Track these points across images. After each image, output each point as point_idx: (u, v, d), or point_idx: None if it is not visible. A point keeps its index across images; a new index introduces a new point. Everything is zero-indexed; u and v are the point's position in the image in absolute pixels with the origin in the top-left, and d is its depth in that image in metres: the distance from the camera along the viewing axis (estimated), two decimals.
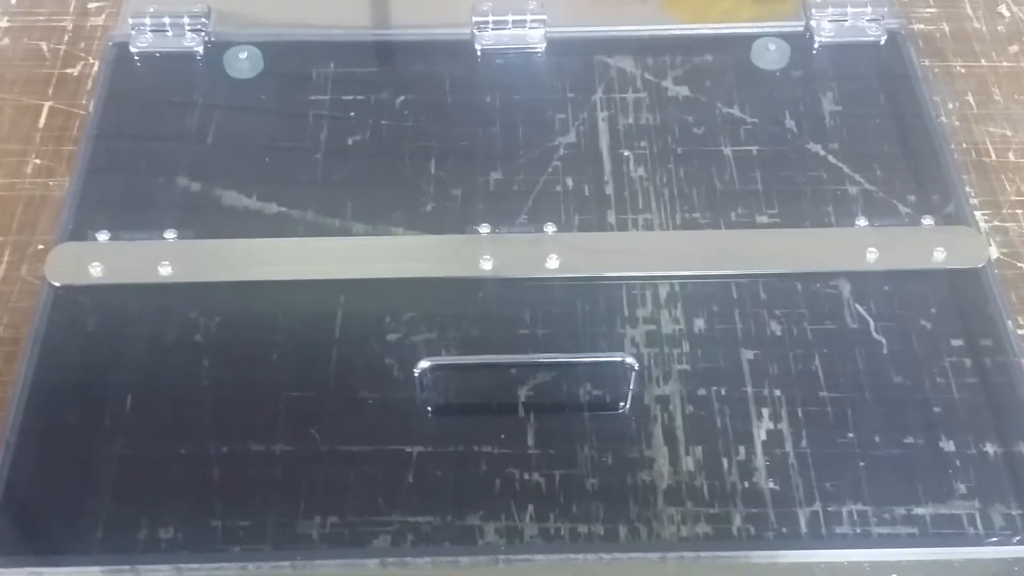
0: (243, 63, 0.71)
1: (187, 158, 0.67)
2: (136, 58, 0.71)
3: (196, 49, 0.71)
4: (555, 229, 0.64)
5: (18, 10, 0.78)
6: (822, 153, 0.69)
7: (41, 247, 0.64)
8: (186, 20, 0.71)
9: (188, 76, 0.70)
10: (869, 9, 0.73)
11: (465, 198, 0.66)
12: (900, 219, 0.64)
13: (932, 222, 0.63)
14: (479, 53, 0.72)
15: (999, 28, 0.78)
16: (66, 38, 0.76)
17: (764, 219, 0.66)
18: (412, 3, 0.76)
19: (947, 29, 0.78)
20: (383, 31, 0.75)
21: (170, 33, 0.71)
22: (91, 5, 0.78)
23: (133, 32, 0.70)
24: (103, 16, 0.78)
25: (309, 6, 0.75)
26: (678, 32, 0.75)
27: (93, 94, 0.70)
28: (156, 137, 0.68)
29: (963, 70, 0.75)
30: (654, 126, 0.71)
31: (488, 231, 0.63)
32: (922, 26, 0.78)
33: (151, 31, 0.71)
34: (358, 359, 0.58)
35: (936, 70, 0.75)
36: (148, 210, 0.64)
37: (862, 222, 0.64)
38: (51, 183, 0.68)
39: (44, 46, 0.76)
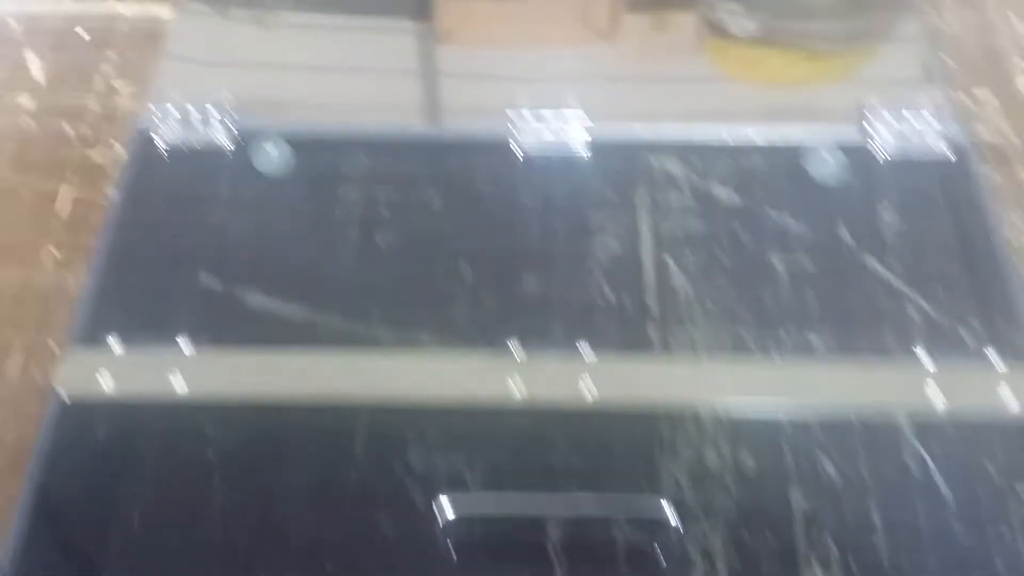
0: (272, 157, 0.68)
1: (209, 256, 0.64)
2: (161, 148, 0.69)
3: (223, 142, 0.69)
4: (591, 349, 0.60)
5: (44, 89, 0.76)
6: (880, 271, 0.65)
7: (54, 348, 0.62)
8: (212, 110, 0.69)
9: (214, 169, 0.68)
10: (931, 119, 0.69)
11: (498, 307, 0.63)
12: (963, 350, 0.60)
13: (997, 355, 0.60)
14: (516, 152, 0.70)
15: None
16: (91, 119, 0.74)
17: (816, 341, 0.62)
18: (448, 98, 0.74)
19: (1018, 143, 0.75)
20: (418, 126, 0.72)
21: (196, 123, 0.69)
22: (117, 83, 0.77)
23: (158, 121, 0.69)
24: (129, 98, 0.76)
25: (342, 97, 0.73)
26: (727, 134, 0.72)
27: (116, 183, 0.68)
28: (178, 233, 0.65)
29: None
30: (700, 234, 0.68)
31: (520, 348, 0.60)
32: (988, 135, 0.75)
33: (177, 121, 0.69)
34: (377, 488, 0.55)
35: (1003, 183, 0.72)
36: (165, 312, 0.61)
37: (922, 352, 0.60)
38: (68, 277, 0.66)
39: (68, 127, 0.74)
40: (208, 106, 0.69)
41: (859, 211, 0.68)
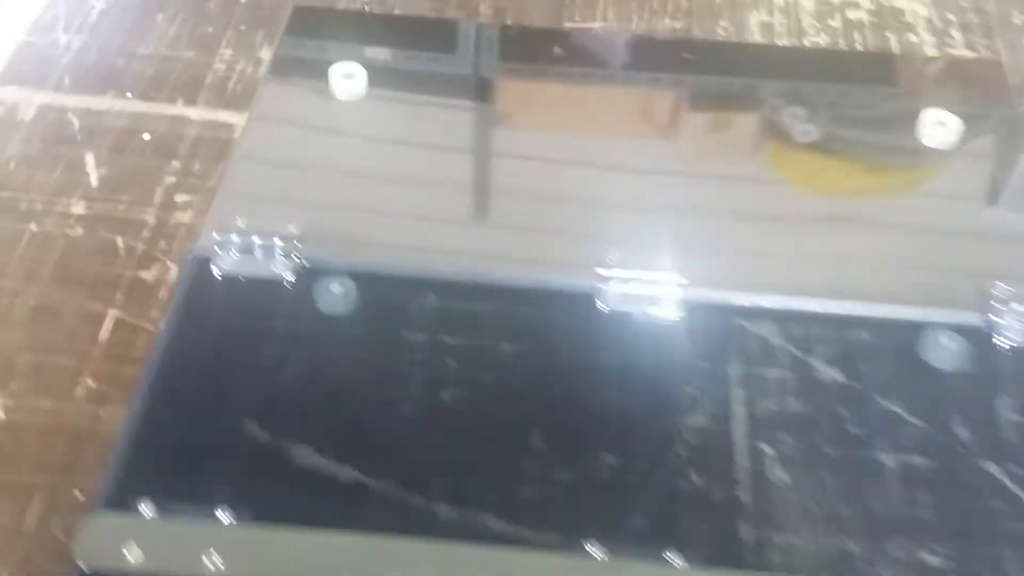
0: (336, 296, 0.63)
1: (259, 404, 0.58)
2: (218, 276, 0.63)
3: (285, 274, 0.63)
4: (679, 555, 0.53)
5: (98, 195, 0.71)
6: (999, 478, 0.58)
7: (79, 496, 0.56)
8: (277, 243, 0.63)
9: (273, 305, 0.62)
10: None
11: (572, 490, 0.57)
12: None
13: None
14: (601, 309, 0.64)
15: None
16: (145, 234, 0.69)
17: (929, 558, 0.55)
18: (530, 244, 0.68)
19: None
20: (492, 270, 0.66)
21: (258, 254, 0.63)
22: (179, 198, 0.72)
23: (217, 249, 0.63)
24: (189, 213, 0.71)
25: (414, 234, 0.67)
26: (834, 305, 0.66)
27: (165, 310, 0.63)
28: (228, 374, 0.60)
29: None
30: (801, 416, 0.61)
31: (598, 549, 0.53)
32: None
33: (237, 247, 0.63)
34: None
35: None
36: (206, 472, 0.55)
37: None
38: (102, 413, 0.60)
39: (120, 241, 0.69)
40: (271, 234, 0.64)
41: (980, 407, 0.61)
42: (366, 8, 0.88)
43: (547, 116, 0.77)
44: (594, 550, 0.53)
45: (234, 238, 0.63)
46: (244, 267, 0.63)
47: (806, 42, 0.87)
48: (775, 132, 0.75)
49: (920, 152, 0.75)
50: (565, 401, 0.61)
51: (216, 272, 0.63)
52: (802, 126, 0.74)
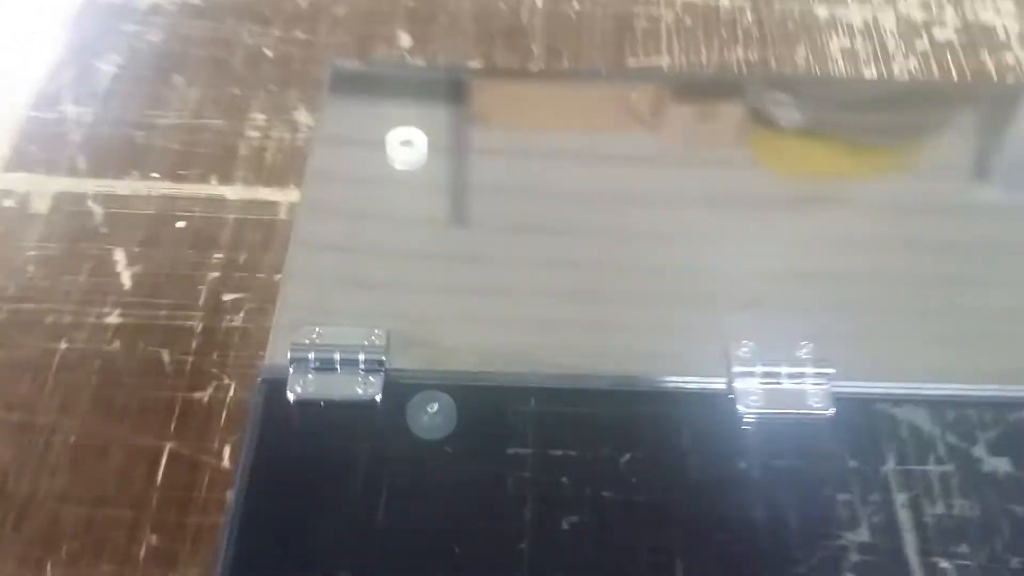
0: (432, 418, 0.54)
1: (358, 552, 0.50)
2: (294, 399, 0.54)
3: (374, 396, 0.54)
4: None
5: (134, 299, 0.62)
6: None
7: None
8: (362, 358, 0.55)
9: (363, 431, 0.54)
10: None
11: None
12: None
13: None
14: (740, 413, 0.55)
15: None
16: (194, 344, 0.60)
17: None
18: (648, 343, 0.60)
19: None
20: (610, 371, 0.58)
21: (340, 372, 0.55)
22: (226, 298, 0.63)
23: (291, 369, 0.54)
24: (241, 315, 0.62)
25: (511, 330, 0.59)
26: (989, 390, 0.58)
27: (237, 449, 0.54)
28: (319, 521, 0.51)
29: None
30: (973, 519, 0.53)
31: None
32: None
33: (315, 369, 0.55)
34: None
35: None
36: None
37: None
38: None
39: (166, 355, 0.60)
40: (353, 347, 0.55)
41: None
42: (407, 57, 0.79)
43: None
44: None
45: (310, 356, 0.55)
46: (326, 389, 0.54)
47: (895, 68, 0.79)
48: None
49: None
50: (704, 520, 0.53)
51: (293, 398, 0.54)
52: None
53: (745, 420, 0.55)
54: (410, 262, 0.61)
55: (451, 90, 0.73)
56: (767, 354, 0.56)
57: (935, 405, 0.57)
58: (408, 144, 0.67)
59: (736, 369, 0.56)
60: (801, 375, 0.55)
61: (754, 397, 0.55)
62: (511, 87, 0.76)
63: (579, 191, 0.66)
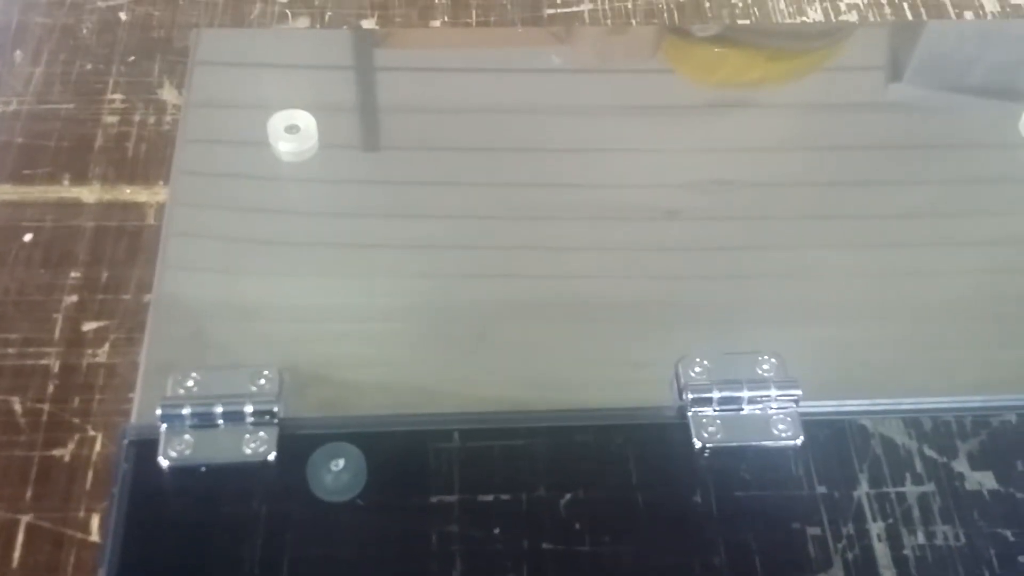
0: (338, 476, 0.46)
1: None
2: (167, 463, 0.46)
3: (266, 455, 0.46)
4: None
5: None
6: None
7: None
8: (249, 409, 0.46)
9: (251, 498, 0.46)
10: None
11: None
12: None
13: None
14: (697, 444, 0.49)
15: None
16: (50, 388, 0.52)
17: None
18: (586, 365, 0.52)
19: None
20: (540, 405, 0.50)
21: (223, 428, 0.46)
22: (87, 327, 0.54)
23: (163, 427, 0.46)
24: (105, 348, 0.53)
25: (434, 365, 0.51)
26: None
27: (102, 510, 0.46)
28: None
29: None
30: (956, 547, 0.48)
31: None
32: None
33: (192, 426, 0.46)
34: None
35: None
36: None
37: None
38: None
39: (17, 404, 0.51)
40: (237, 396, 0.47)
41: None
42: (288, 16, 0.69)
43: None
44: None
45: (184, 411, 0.46)
46: (206, 451, 0.46)
47: (842, 5, 0.71)
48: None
49: None
50: (659, 569, 0.47)
51: (167, 464, 0.46)
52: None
53: (704, 453, 0.49)
54: (303, 280, 0.53)
55: (341, 58, 0.64)
56: (723, 373, 0.49)
57: (910, 419, 0.51)
58: (294, 129, 0.58)
59: (689, 396, 0.49)
60: (764, 399, 0.49)
61: (712, 428, 0.48)
62: (411, 49, 0.67)
63: (502, 200, 0.58)
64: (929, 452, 0.51)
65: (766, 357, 0.50)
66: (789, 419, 0.49)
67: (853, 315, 0.54)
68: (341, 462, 0.46)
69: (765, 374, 0.50)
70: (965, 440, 0.51)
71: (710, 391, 0.49)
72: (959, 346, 0.54)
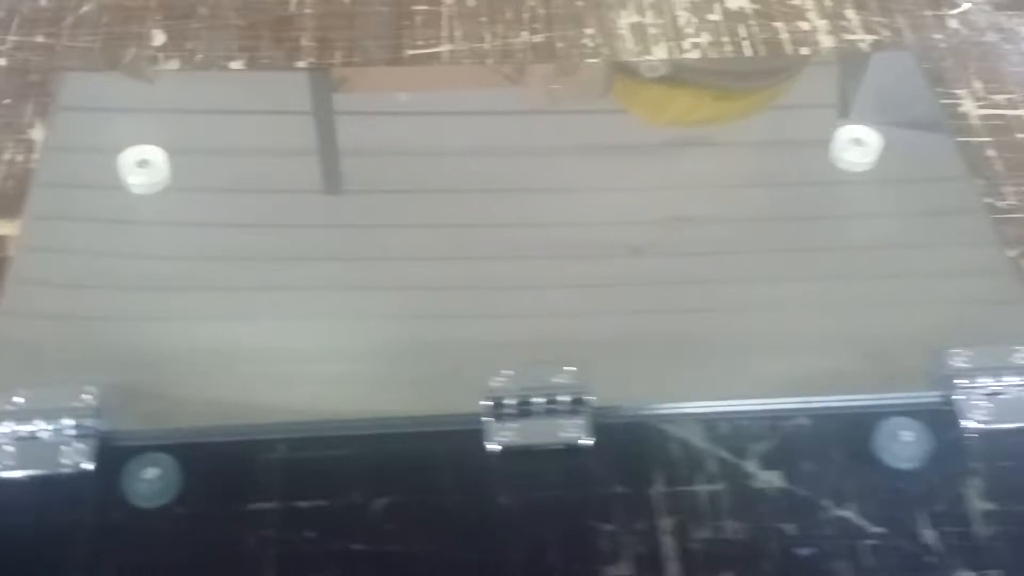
0: (152, 484, 0.50)
1: None
2: None
3: (85, 466, 0.50)
4: None
5: None
6: None
7: None
8: (67, 423, 0.50)
9: (72, 506, 0.49)
10: None
11: None
12: None
13: None
14: (492, 451, 0.52)
15: None
16: None
17: None
18: (396, 381, 0.56)
19: None
20: (359, 414, 0.54)
21: (44, 442, 0.50)
22: None
23: None
24: None
25: (256, 378, 0.55)
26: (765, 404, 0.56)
27: None
28: None
29: None
30: (740, 543, 0.52)
31: None
32: None
33: (15, 442, 0.50)
34: None
35: None
36: None
37: None
38: None
39: None
40: (59, 411, 0.51)
41: (947, 506, 0.53)
42: (159, 59, 0.73)
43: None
44: None
45: (6, 427, 0.50)
46: (27, 463, 0.50)
47: (686, 44, 0.76)
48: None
49: None
50: (459, 564, 0.50)
51: None
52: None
53: (499, 455, 0.52)
54: (134, 299, 0.57)
55: (199, 98, 0.68)
56: (523, 382, 0.53)
57: (705, 421, 0.55)
58: (144, 164, 0.62)
59: (488, 403, 0.52)
60: (555, 405, 0.53)
61: (507, 432, 0.52)
62: (274, 86, 0.71)
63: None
64: (723, 453, 0.54)
65: (566, 368, 0.54)
66: (581, 422, 0.53)
67: (651, 321, 0.58)
68: (154, 470, 0.50)
69: (562, 381, 0.53)
70: (757, 441, 0.55)
71: (504, 398, 0.52)
72: (754, 351, 0.58)
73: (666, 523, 0.52)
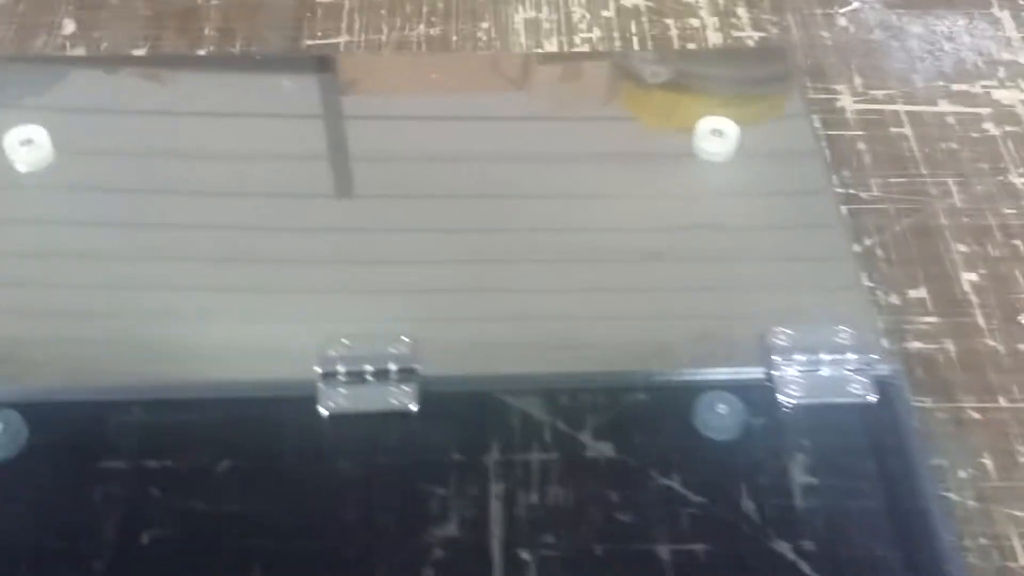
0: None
1: None
2: None
3: None
4: None
5: None
6: (790, 558, 0.52)
7: None
8: None
9: None
10: (851, 357, 0.56)
11: None
12: None
13: None
14: (324, 415, 0.55)
15: (1020, 347, 0.62)
16: None
17: None
18: (239, 349, 0.59)
19: (953, 350, 0.62)
20: (200, 376, 0.57)
21: None
22: None
23: None
24: None
25: (91, 356, 0.58)
26: (601, 369, 0.58)
27: None
28: None
29: (977, 415, 0.59)
30: (566, 507, 0.54)
31: None
32: (919, 345, 0.62)
33: None
34: None
35: (941, 416, 0.59)
36: None
37: None
38: None
39: None
40: None
41: (765, 478, 0.55)
42: (67, 47, 0.76)
43: None
44: None
45: None
46: None
47: (577, 39, 0.78)
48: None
49: None
50: (291, 525, 0.53)
51: None
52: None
53: (332, 420, 0.55)
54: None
55: (93, 82, 0.71)
56: (357, 351, 0.56)
57: (543, 392, 0.57)
58: (28, 143, 0.65)
59: (321, 370, 0.55)
60: (387, 373, 0.55)
61: (336, 399, 0.55)
62: (172, 74, 0.74)
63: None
64: (559, 424, 0.57)
65: (401, 339, 0.56)
66: (409, 389, 0.55)
67: (488, 298, 0.61)
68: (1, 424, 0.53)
69: (393, 351, 0.56)
70: (594, 413, 0.57)
71: (338, 364, 0.55)
72: (587, 326, 0.60)
73: (494, 489, 0.54)
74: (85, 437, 0.54)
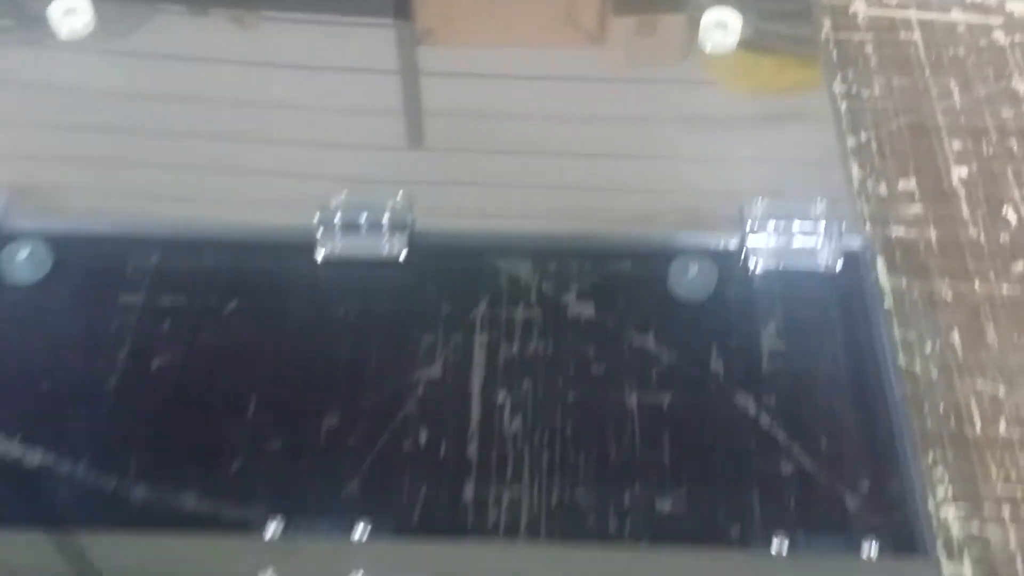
0: (22, 265, 0.58)
1: None
2: None
3: None
4: (371, 529, 0.50)
5: None
6: (751, 413, 0.55)
7: None
8: None
9: None
10: (822, 225, 0.58)
11: (275, 460, 0.53)
12: (834, 539, 0.50)
13: (876, 546, 0.49)
14: (320, 262, 0.59)
15: (1002, 238, 0.63)
16: None
17: (665, 507, 0.52)
18: (248, 196, 0.63)
19: (934, 237, 0.64)
20: (209, 221, 0.61)
21: None
22: None
23: None
24: None
25: (118, 192, 0.63)
26: (590, 235, 0.61)
27: None
28: None
29: (950, 296, 0.61)
30: (543, 358, 0.57)
31: (283, 528, 0.50)
32: (902, 231, 0.64)
33: None
34: None
35: (915, 294, 0.61)
36: None
37: (783, 543, 0.49)
38: None
39: None
40: None
41: (734, 337, 0.58)
42: None
43: None
44: (275, 527, 0.50)
45: None
46: None
47: None
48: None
49: None
50: (287, 363, 0.57)
51: None
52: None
53: (327, 266, 0.59)
54: (45, 128, 0.65)
55: None
56: (355, 202, 0.59)
57: (531, 251, 0.60)
58: (72, 13, 0.70)
59: (319, 221, 0.59)
60: (380, 227, 0.59)
61: (333, 247, 0.59)
62: None
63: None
64: (545, 284, 0.60)
65: (399, 193, 0.60)
66: (402, 239, 0.59)
67: (483, 159, 0.64)
68: (26, 251, 0.58)
69: (389, 202, 0.59)
70: (580, 274, 0.60)
71: (336, 214, 0.59)
72: (575, 190, 0.63)
73: (479, 339, 0.58)
74: (103, 270, 0.59)
